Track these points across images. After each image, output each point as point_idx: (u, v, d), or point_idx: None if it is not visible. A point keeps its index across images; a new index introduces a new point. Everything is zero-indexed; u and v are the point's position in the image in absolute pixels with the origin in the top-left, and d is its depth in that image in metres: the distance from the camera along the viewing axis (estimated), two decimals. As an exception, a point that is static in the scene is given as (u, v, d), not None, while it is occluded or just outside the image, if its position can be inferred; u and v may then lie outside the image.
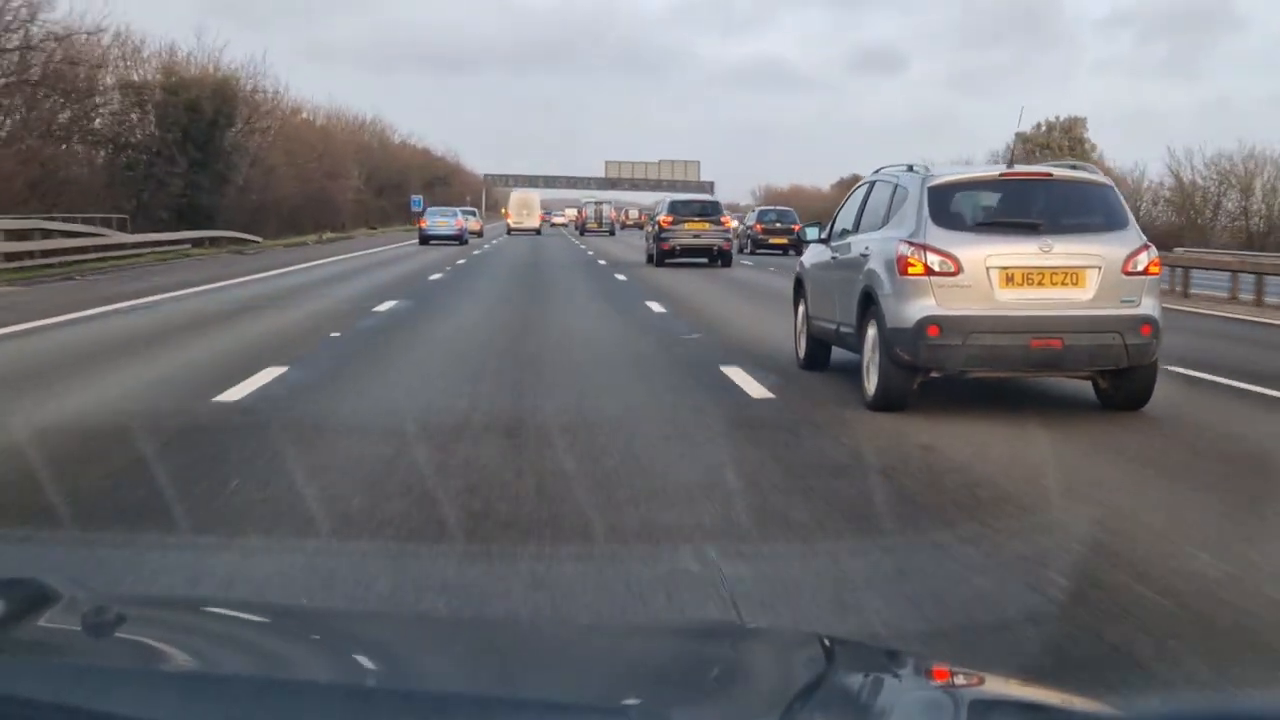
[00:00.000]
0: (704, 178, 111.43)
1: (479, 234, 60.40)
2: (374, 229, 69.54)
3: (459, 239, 47.69)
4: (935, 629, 3.99)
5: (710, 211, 30.89)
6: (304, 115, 64.93)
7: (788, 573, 4.69)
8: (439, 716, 1.43)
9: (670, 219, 30.37)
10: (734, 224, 36.73)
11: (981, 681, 1.68)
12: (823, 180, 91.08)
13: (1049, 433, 7.59)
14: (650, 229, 33.32)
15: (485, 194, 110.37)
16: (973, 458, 6.85)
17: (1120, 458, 7.03)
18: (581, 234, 70.49)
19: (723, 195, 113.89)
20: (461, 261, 32.03)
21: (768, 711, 1.47)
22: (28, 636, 1.72)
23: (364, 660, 1.72)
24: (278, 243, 45.51)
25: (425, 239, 46.84)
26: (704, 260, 30.01)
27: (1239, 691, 3.50)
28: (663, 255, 30.00)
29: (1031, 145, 62.85)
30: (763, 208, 50.72)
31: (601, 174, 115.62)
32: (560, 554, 4.85)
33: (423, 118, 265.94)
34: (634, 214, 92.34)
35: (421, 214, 52.39)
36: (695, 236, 29.88)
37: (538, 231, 69.85)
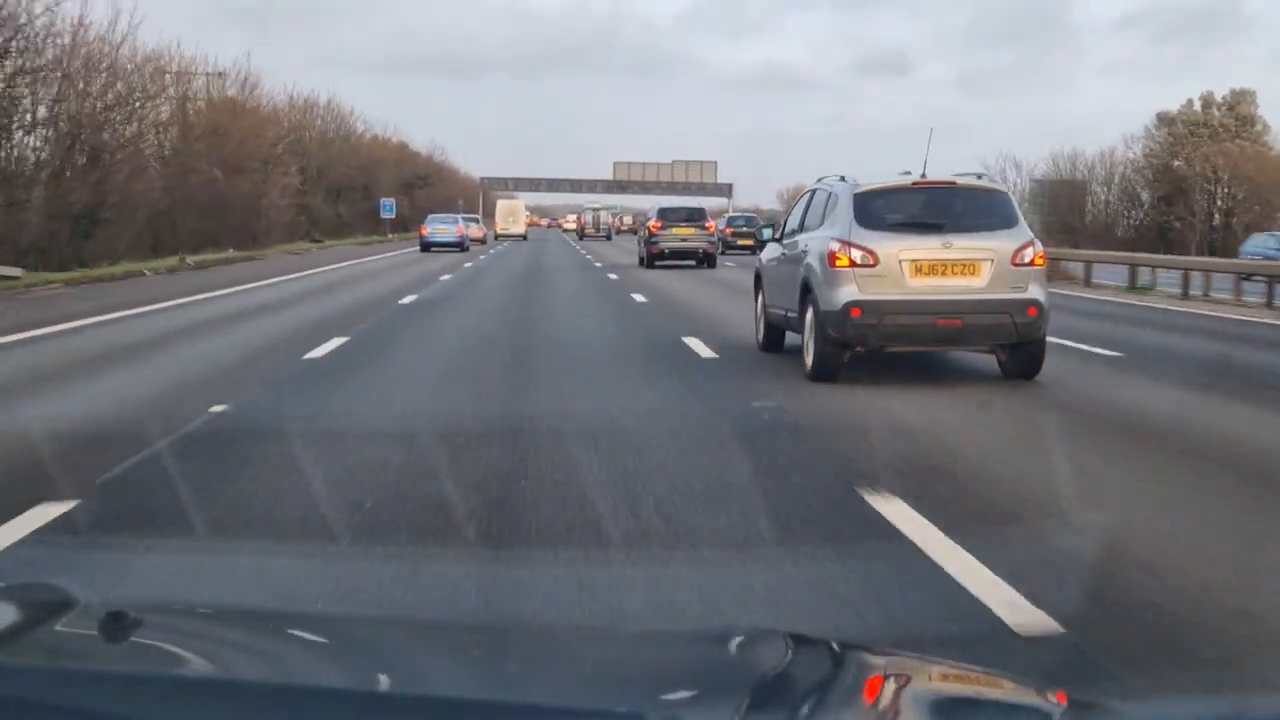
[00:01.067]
0: (721, 179, 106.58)
1: (481, 241, 58.78)
2: (318, 241, 53.55)
3: (460, 246, 47.45)
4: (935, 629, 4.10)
5: (696, 217, 32.82)
6: (203, 79, 47.15)
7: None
8: None
9: (659, 224, 32.59)
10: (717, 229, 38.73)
11: (984, 684, 1.73)
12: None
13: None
14: (641, 233, 35.99)
15: (483, 198, 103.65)
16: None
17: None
18: (580, 238, 72.58)
19: (743, 199, 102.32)
20: (447, 278, 26.98)
21: (775, 715, 1.50)
22: (44, 641, 1.74)
23: (377, 666, 1.74)
24: (63, 277, 25.60)
25: (426, 246, 46.80)
26: (691, 263, 31.86)
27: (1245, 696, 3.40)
28: (652, 258, 32.19)
29: (1188, 125, 55.43)
30: (732, 214, 55.93)
31: (609, 176, 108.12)
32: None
33: (428, 122, 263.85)
34: (628, 219, 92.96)
35: (392, 220, 50.66)
36: (682, 240, 31.89)
37: (524, 236, 72.31)
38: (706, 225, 32.84)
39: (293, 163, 55.67)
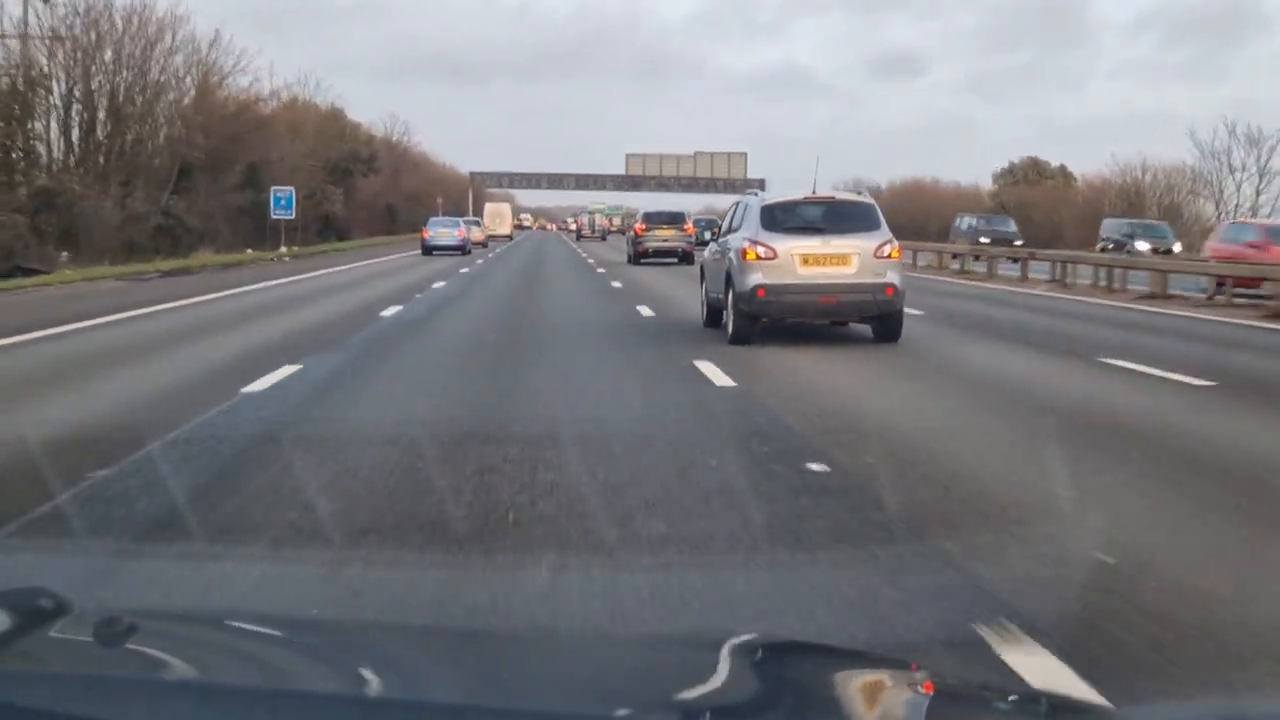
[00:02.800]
0: (752, 174, 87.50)
1: (482, 244, 58.27)
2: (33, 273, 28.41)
3: (462, 249, 46.92)
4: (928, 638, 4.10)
5: (676, 220, 37.42)
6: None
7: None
8: None
9: (644, 226, 37.90)
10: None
11: (982, 688, 1.85)
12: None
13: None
14: (629, 234, 41.03)
15: (472, 196, 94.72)
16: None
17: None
18: (578, 239, 77.47)
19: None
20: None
21: None
22: (39, 647, 1.76)
23: (373, 672, 1.76)
24: None
25: (428, 249, 46.09)
26: (674, 260, 35.78)
27: (1240, 698, 3.60)
28: (638, 255, 37.12)
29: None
30: (697, 217, 60.07)
31: (621, 170, 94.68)
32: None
33: (434, 124, 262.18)
34: (617, 221, 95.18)
35: (289, 221, 43.78)
36: (663, 240, 36.61)
37: (509, 237, 77.40)
38: (685, 228, 37.14)
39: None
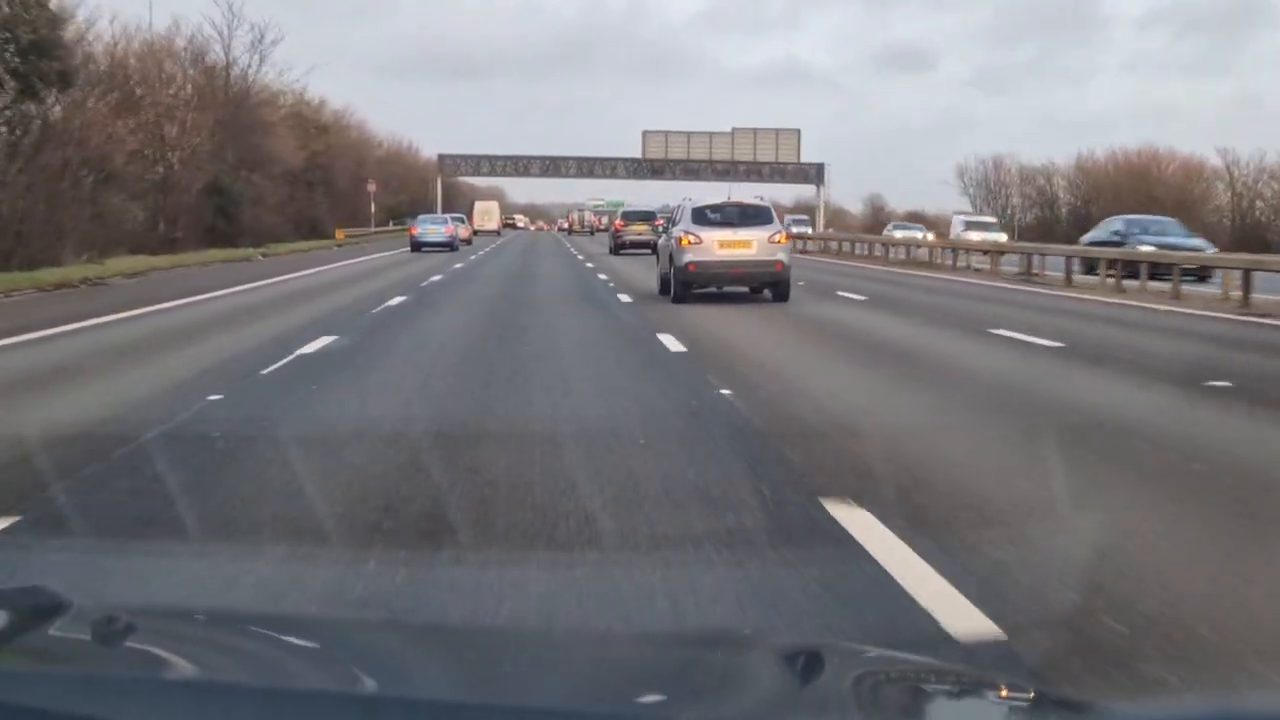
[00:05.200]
0: (808, 157, 78.01)
1: (468, 241, 56.84)
2: None
3: (450, 246, 47.25)
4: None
5: (649, 218, 43.77)
6: None
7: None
8: None
9: (622, 224, 45.79)
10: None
11: (975, 684, 1.83)
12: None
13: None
14: (610, 230, 49.13)
15: (441, 185, 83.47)
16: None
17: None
18: (569, 235, 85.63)
19: (840, 196, 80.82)
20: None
21: (765, 718, 1.56)
22: (37, 645, 1.76)
23: (372, 670, 1.77)
24: None
25: (417, 246, 46.63)
26: (647, 251, 42.18)
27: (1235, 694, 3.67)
28: (618, 247, 44.67)
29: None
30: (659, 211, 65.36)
31: (636, 153, 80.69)
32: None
33: (434, 126, 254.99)
34: (605, 219, 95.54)
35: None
36: (638, 235, 43.41)
37: (498, 233, 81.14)
38: (656, 223, 43.30)
39: None
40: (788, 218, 55.82)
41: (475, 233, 71.68)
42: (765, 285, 19.78)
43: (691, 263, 19.39)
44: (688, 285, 19.60)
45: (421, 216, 54.26)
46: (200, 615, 2.46)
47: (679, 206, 21.26)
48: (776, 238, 19.59)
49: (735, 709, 1.58)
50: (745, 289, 20.25)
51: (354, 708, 1.50)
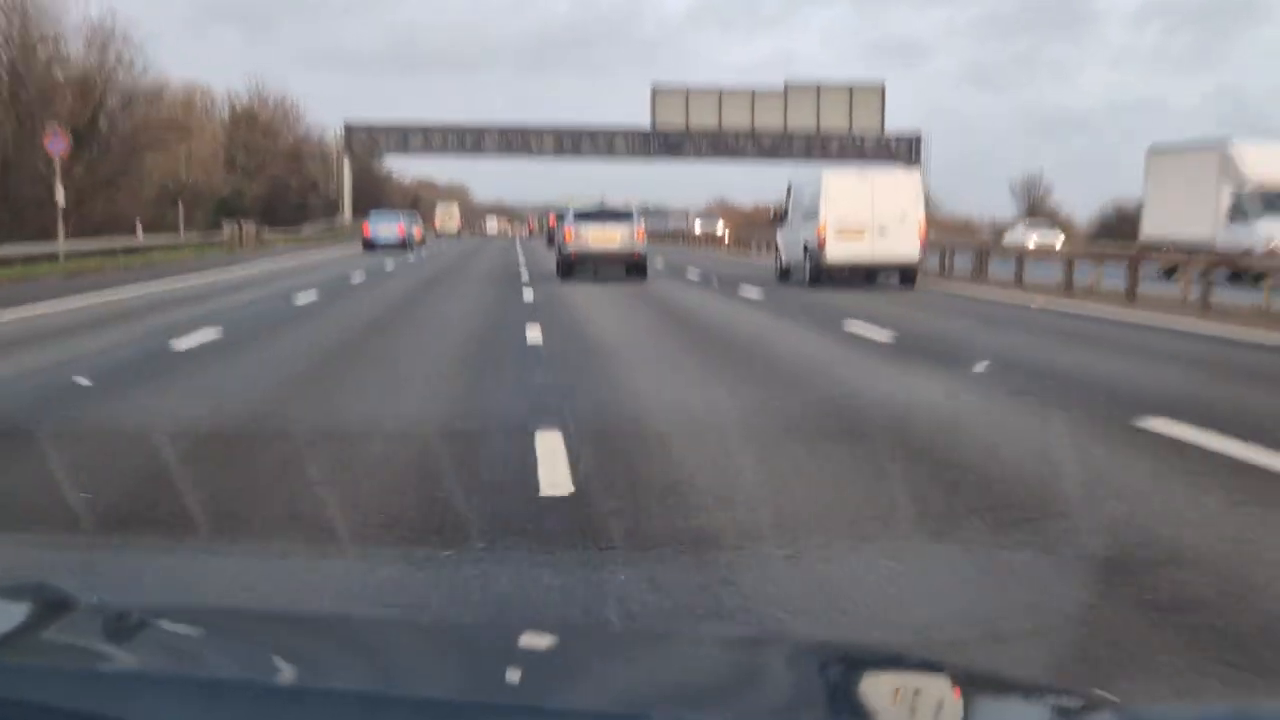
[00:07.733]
0: (894, 123, 57.66)
1: (422, 242, 53.54)
2: None
3: (404, 244, 46.69)
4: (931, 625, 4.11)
5: (625, 219, 49.76)
6: None
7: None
8: None
9: (572, 229, 50.90)
10: None
11: (986, 684, 1.80)
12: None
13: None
14: (555, 238, 54.92)
15: (349, 166, 66.48)
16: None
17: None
18: (530, 237, 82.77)
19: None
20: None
21: (776, 718, 1.55)
22: (43, 642, 1.75)
23: (379, 667, 1.77)
24: None
25: (370, 245, 45.89)
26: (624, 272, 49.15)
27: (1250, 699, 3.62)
28: (567, 265, 50.19)
29: None
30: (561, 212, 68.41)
31: (644, 122, 60.90)
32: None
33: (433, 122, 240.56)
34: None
35: None
36: (606, 245, 48.39)
37: (458, 235, 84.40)
38: (638, 231, 49.91)
39: None
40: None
41: (437, 235, 71.41)
42: (627, 267, 27.01)
43: (574, 251, 26.64)
44: (570, 266, 26.81)
45: (373, 212, 52.56)
46: (208, 611, 2.56)
47: (568, 210, 28.55)
48: (635, 233, 26.83)
49: (736, 709, 1.57)
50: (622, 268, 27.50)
51: (358, 706, 1.47)
